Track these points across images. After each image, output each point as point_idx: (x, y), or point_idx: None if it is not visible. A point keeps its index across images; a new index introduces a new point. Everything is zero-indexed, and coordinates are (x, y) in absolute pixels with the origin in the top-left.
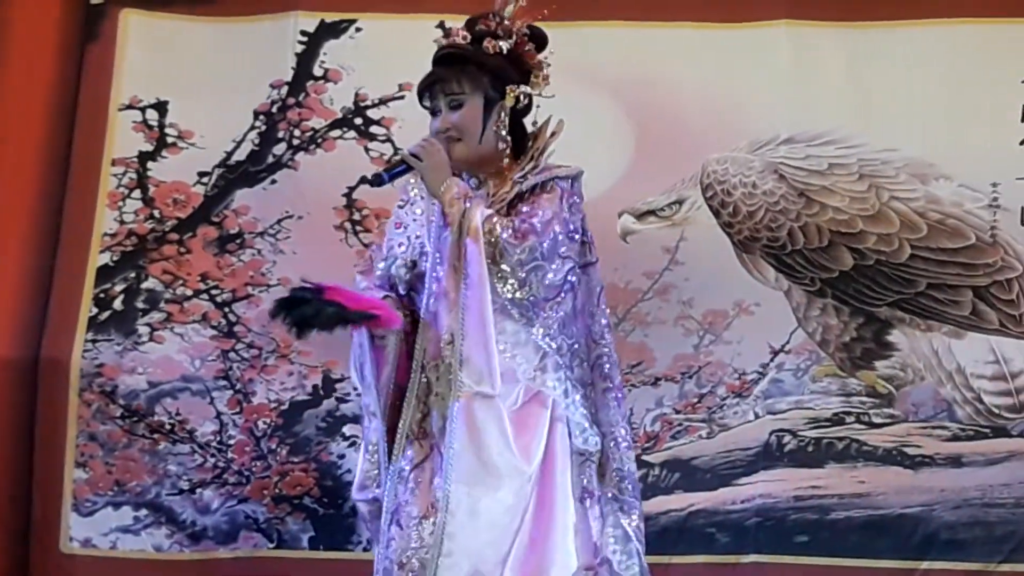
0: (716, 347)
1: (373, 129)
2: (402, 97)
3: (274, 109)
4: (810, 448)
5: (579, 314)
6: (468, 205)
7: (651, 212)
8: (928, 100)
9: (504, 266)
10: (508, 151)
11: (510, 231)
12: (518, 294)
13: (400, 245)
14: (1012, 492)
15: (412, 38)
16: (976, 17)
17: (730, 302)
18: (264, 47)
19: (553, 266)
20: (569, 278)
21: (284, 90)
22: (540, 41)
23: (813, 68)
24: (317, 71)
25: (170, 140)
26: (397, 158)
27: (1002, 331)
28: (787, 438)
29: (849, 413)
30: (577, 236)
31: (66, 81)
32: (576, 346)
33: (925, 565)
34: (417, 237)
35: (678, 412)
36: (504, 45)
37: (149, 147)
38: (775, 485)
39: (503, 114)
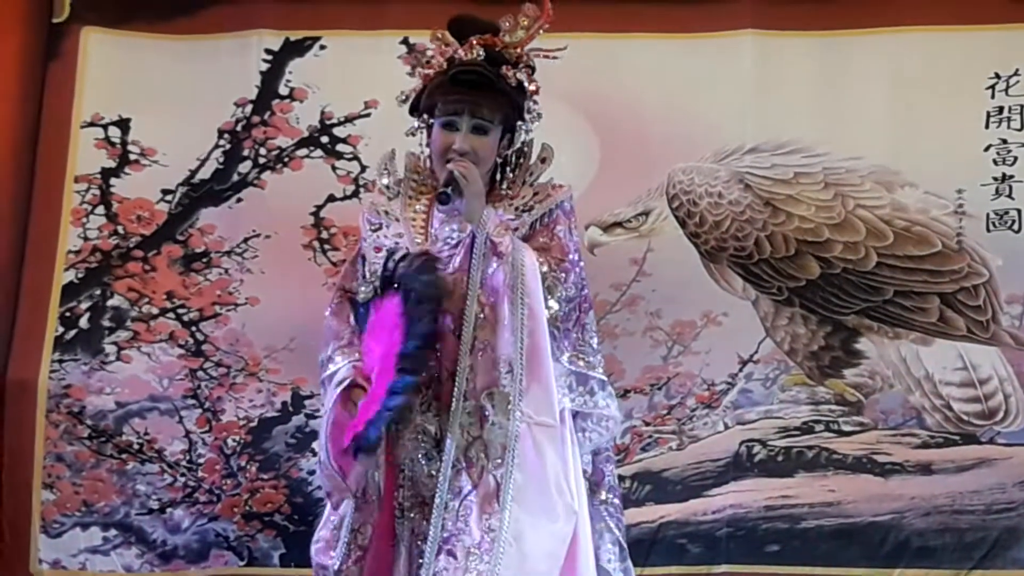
0: (685, 358)
1: (339, 147)
2: (368, 115)
3: (238, 128)
4: (780, 457)
5: None
6: (515, 237)
7: (618, 224)
8: (892, 108)
9: (551, 301)
10: (497, 177)
11: (555, 270)
12: (557, 326)
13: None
14: (982, 499)
15: (376, 55)
16: (939, 25)
17: (698, 312)
18: (227, 65)
19: (583, 292)
20: (584, 293)
21: (248, 108)
22: (533, 72)
23: (777, 77)
24: (282, 90)
25: (133, 157)
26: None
27: (970, 337)
28: (757, 448)
29: (818, 422)
30: (580, 254)
31: (28, 99)
32: None
33: (896, 573)
34: None
35: (648, 424)
36: (521, 77)
37: (112, 164)
38: (745, 495)
39: (510, 147)
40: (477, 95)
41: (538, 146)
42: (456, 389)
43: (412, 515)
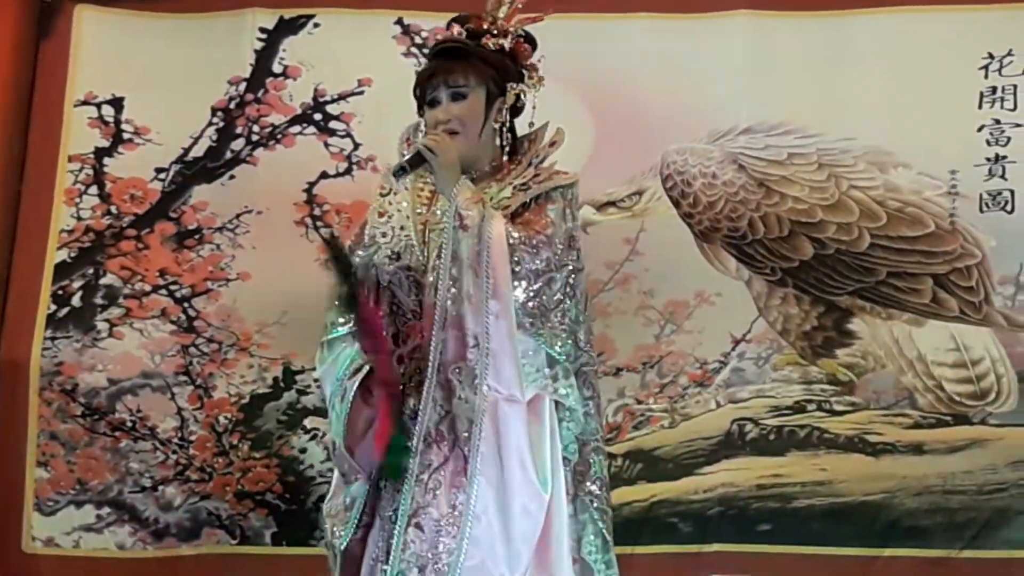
0: (677, 337)
1: (332, 124)
2: (361, 92)
3: (232, 105)
4: (772, 436)
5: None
6: (486, 210)
7: (611, 203)
8: (886, 88)
9: (520, 276)
10: (507, 150)
11: (526, 242)
12: (531, 303)
13: (384, 235)
14: (973, 479)
15: (370, 33)
16: (933, 4)
17: (691, 292)
18: (221, 43)
19: (559, 275)
20: (570, 281)
21: (242, 86)
22: (532, 44)
23: (771, 58)
24: (276, 67)
25: (126, 136)
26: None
27: (962, 318)
28: (749, 427)
29: (810, 401)
30: (574, 243)
31: (21, 78)
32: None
33: (887, 552)
34: (402, 228)
35: (640, 402)
36: (504, 43)
37: (105, 143)
38: (737, 474)
39: (503, 111)
40: (450, 64)
41: (552, 130)
42: (430, 363)
43: (386, 492)
